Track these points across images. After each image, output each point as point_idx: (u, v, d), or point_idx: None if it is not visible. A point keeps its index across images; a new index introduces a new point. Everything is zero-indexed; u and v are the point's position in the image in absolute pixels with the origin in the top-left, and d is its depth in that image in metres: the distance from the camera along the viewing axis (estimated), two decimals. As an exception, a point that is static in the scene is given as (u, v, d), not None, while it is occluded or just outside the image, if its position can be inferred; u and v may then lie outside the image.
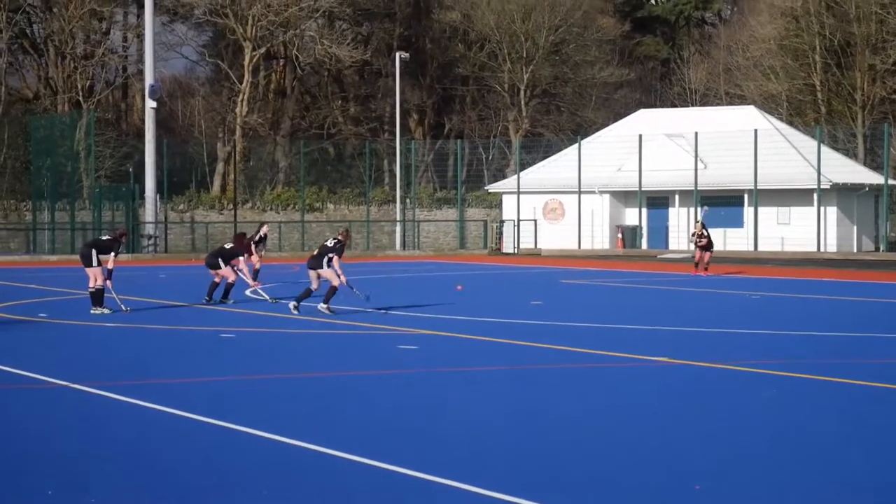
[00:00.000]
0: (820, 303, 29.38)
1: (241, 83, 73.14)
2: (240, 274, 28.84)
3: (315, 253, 26.29)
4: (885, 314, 26.75)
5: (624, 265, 46.95)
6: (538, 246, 61.33)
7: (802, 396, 15.20)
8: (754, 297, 30.26)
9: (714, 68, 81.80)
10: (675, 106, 78.64)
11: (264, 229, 34.34)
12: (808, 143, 59.40)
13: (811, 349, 20.16)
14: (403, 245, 64.28)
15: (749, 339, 21.65)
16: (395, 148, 67.27)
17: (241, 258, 29.06)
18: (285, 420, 13.21)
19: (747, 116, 62.14)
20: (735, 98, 76.29)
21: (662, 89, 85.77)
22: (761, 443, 12.09)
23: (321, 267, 25.65)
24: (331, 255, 25.63)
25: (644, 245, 60.29)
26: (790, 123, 68.10)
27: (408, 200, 67.10)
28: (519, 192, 62.43)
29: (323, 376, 16.99)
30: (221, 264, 28.58)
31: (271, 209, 66.85)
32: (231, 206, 64.78)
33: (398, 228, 65.48)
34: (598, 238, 60.39)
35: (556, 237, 61.45)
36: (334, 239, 26.03)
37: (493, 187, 66.07)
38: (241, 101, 72.84)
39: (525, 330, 22.78)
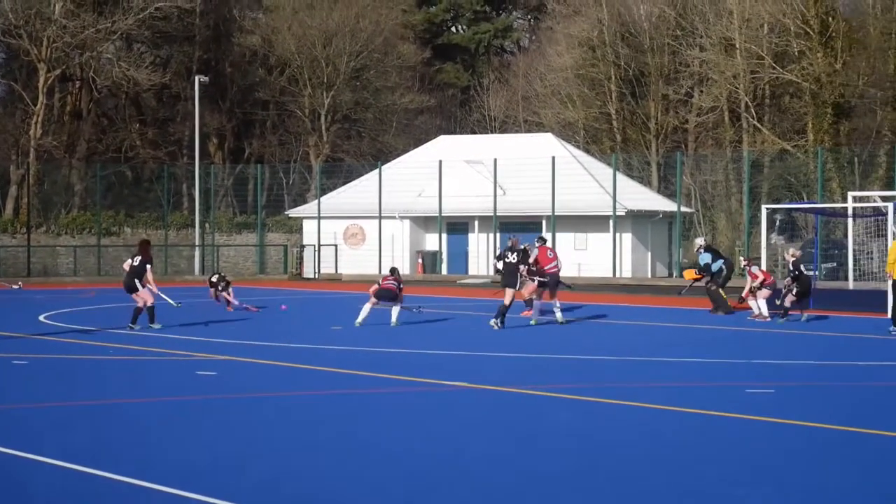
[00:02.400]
0: (615, 328, 29.86)
1: (35, 105, 71.55)
2: (148, 287, 28.11)
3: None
4: (677, 338, 27.31)
5: (424, 290, 47.14)
6: (339, 271, 61.27)
7: (599, 418, 15.41)
8: (540, 322, 30.63)
9: (513, 96, 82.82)
10: (474, 132, 79.46)
11: None
12: (604, 171, 60.54)
13: (604, 372, 20.48)
14: (202, 270, 63.55)
15: (545, 362, 21.89)
16: (193, 172, 66.54)
17: (149, 267, 28.39)
18: (78, 447, 12.92)
19: (545, 143, 63.06)
20: (533, 125, 77.36)
21: (462, 116, 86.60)
22: (556, 462, 12.22)
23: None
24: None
25: (444, 270, 60.68)
26: (587, 151, 69.35)
27: (207, 225, 66.44)
28: (319, 217, 62.30)
29: (119, 403, 16.66)
30: (139, 285, 27.99)
31: (66, 233, 65.47)
32: (24, 229, 63.29)
33: (197, 253, 64.75)
34: (399, 263, 60.54)
35: (356, 262, 61.46)
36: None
37: (294, 212, 65.79)
38: (36, 123, 71.24)
39: (325, 355, 22.70)
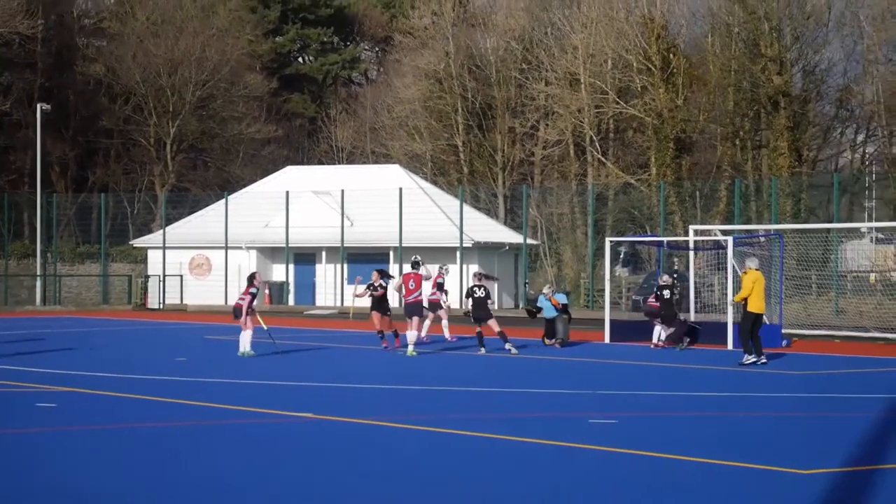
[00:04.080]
0: (460, 358, 29.98)
1: None
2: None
3: None
4: (523, 368, 27.50)
5: (271, 321, 46.86)
6: (184, 301, 60.64)
7: (435, 448, 15.46)
8: (399, 353, 30.64)
9: (361, 127, 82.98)
10: (322, 163, 79.42)
11: None
12: (451, 202, 60.87)
13: (446, 402, 20.55)
14: (44, 300, 62.44)
15: (390, 393, 21.91)
16: (35, 200, 65.37)
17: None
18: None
19: (393, 175, 63.25)
20: (381, 157, 77.58)
21: (310, 146, 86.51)
22: (408, 489, 12.22)
23: None
24: None
25: (291, 301, 60.40)
26: (434, 182, 69.73)
27: (49, 254, 65.32)
28: (164, 247, 61.66)
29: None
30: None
31: None
32: None
33: (38, 283, 63.59)
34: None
35: (203, 293, 60.90)
36: None
37: (139, 242, 65.00)
38: None
39: (169, 386, 22.43)
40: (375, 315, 31.28)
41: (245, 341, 28.64)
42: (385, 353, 30.63)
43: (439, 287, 35.19)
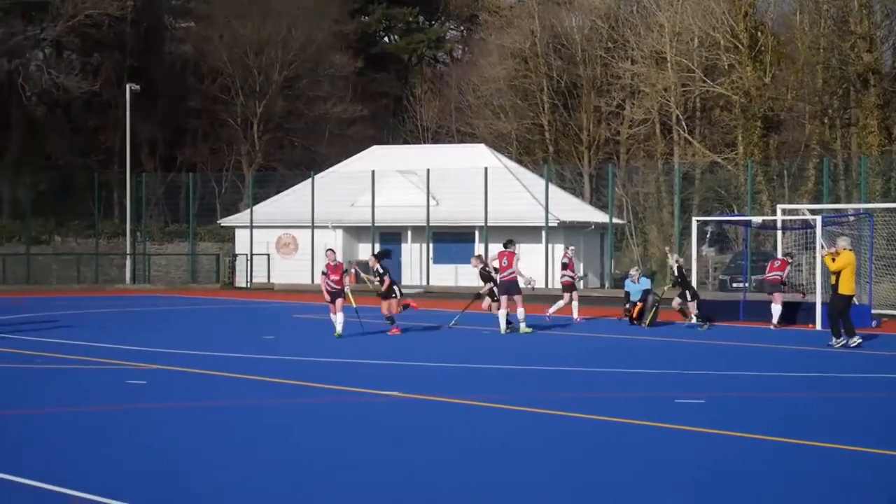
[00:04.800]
0: (546, 338, 29.95)
1: (-37, 112, 70.94)
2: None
3: None
4: (608, 348, 27.44)
5: (358, 300, 47.10)
6: (271, 280, 61.05)
7: (528, 428, 15.47)
8: (485, 332, 30.69)
9: (446, 106, 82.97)
10: (407, 143, 79.50)
11: None
12: (536, 182, 60.73)
13: (533, 382, 20.55)
14: (133, 278, 63.15)
15: (480, 373, 21.94)
16: (125, 180, 66.08)
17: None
18: (10, 458, 12.82)
19: (478, 154, 63.19)
20: (466, 136, 77.53)
21: (395, 126, 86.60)
22: (496, 471, 12.26)
23: None
24: None
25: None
26: (519, 162, 69.54)
27: (138, 233, 66.01)
28: (252, 227, 62.06)
29: (48, 412, 16.54)
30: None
31: (-6, 241, 64.92)
32: (-49, 238, 62.68)
33: (128, 262, 64.31)
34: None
35: (289, 272, 61.25)
36: None
37: (226, 221, 65.48)
38: (-37, 130, 70.63)
39: (257, 364, 22.63)
40: (385, 302, 30.25)
41: (339, 321, 28.63)
42: (470, 333, 30.62)
43: (563, 267, 34.74)
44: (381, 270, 30.19)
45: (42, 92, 75.10)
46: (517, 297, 29.99)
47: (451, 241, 58.33)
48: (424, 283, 58.29)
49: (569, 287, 34.34)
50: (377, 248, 59.72)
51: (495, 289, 30.83)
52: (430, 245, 59.05)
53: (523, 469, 12.60)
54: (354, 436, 14.70)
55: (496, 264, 30.90)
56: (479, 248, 57.09)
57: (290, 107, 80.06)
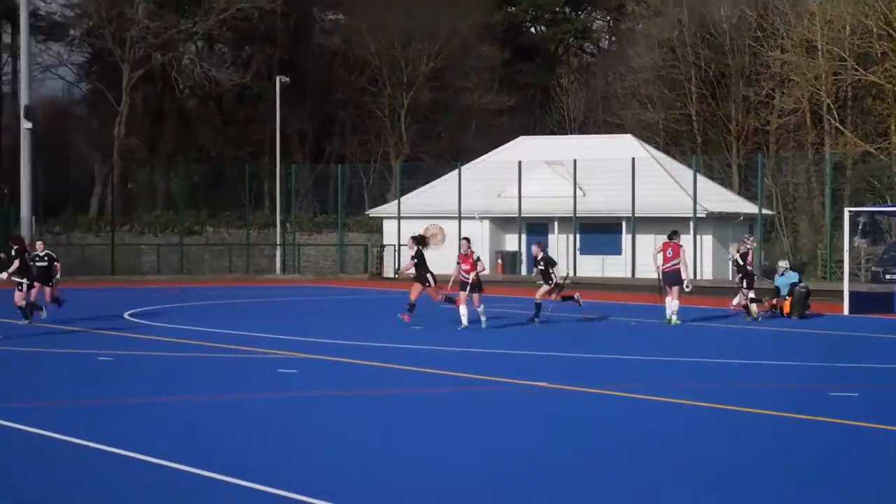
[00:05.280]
0: (694, 329, 29.74)
1: (118, 104, 72.41)
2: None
3: None
4: (756, 341, 27.15)
5: (503, 291, 47.20)
6: (418, 271, 61.30)
7: (679, 419, 15.39)
8: (632, 324, 30.57)
9: (593, 97, 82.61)
10: (554, 133, 79.31)
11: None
12: (684, 172, 60.21)
13: (683, 374, 20.43)
14: (283, 269, 63.97)
15: (627, 364, 21.87)
16: (275, 172, 66.97)
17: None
18: (163, 443, 13.10)
19: (625, 145, 62.83)
20: (613, 126, 77.06)
21: (542, 116, 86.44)
22: (639, 465, 12.24)
23: None
24: None
25: (523, 271, 60.61)
26: (667, 152, 68.97)
27: (288, 224, 66.82)
28: (399, 217, 62.46)
29: (201, 400, 16.86)
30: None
31: (149, 232, 66.14)
32: (109, 228, 64.01)
33: (278, 252, 65.18)
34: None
35: (436, 262, 61.37)
36: None
37: (374, 212, 66.01)
38: (119, 122, 72.10)
39: (405, 354, 22.80)
40: (416, 286, 29.57)
41: (464, 313, 28.47)
42: (613, 323, 30.49)
43: (743, 258, 33.83)
44: (412, 255, 29.62)
45: (195, 85, 76.50)
46: (675, 289, 29.72)
47: (597, 231, 58.11)
48: (571, 273, 58.16)
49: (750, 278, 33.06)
50: (523, 238, 59.80)
51: (553, 277, 29.94)
52: (577, 236, 58.87)
53: (684, 462, 12.55)
54: (497, 426, 14.75)
55: (660, 256, 30.53)
56: (626, 240, 56.88)
57: (437, 98, 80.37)
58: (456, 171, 62.69)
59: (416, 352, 23.34)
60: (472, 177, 62.29)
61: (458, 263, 28.60)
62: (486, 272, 29.01)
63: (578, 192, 59.05)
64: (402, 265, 29.93)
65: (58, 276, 29.80)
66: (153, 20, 71.07)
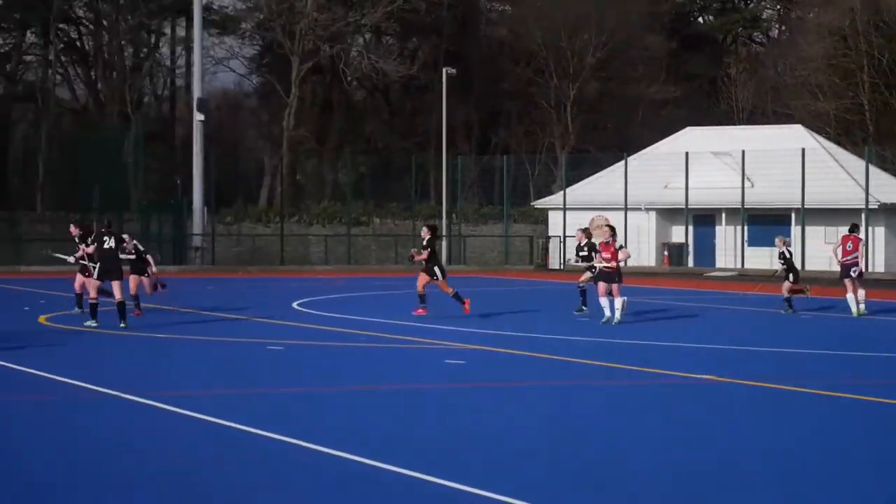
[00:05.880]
0: (871, 323, 29.20)
1: (288, 96, 73.46)
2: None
3: None
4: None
5: (670, 282, 46.85)
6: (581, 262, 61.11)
7: (857, 417, 15.15)
8: (804, 317, 30.14)
9: (762, 87, 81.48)
10: (721, 124, 78.38)
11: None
12: (855, 163, 59.07)
13: (865, 370, 20.09)
14: (449, 260, 64.27)
15: (797, 357, 21.57)
16: (441, 163, 67.34)
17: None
18: (337, 432, 13.27)
19: (794, 135, 61.82)
20: (782, 117, 75.92)
21: (709, 107, 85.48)
22: (808, 461, 12.07)
23: None
24: None
25: (690, 263, 60.08)
26: (838, 143, 67.71)
27: (454, 215, 67.11)
28: (565, 209, 62.34)
29: (370, 389, 17.05)
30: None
31: (317, 223, 66.99)
32: (278, 219, 65.01)
33: (444, 243, 65.50)
34: (644, 255, 60.23)
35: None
36: None
37: (540, 203, 65.99)
38: (289, 114, 73.15)
39: (570, 346, 22.78)
40: (423, 277, 28.13)
41: (606, 305, 27.72)
42: (782, 316, 30.06)
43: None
44: (423, 244, 28.38)
45: (362, 76, 77.23)
46: (855, 282, 29.31)
47: (766, 223, 57.26)
48: (739, 265, 57.47)
49: None
50: (690, 230, 59.29)
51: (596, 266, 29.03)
52: (745, 227, 58.14)
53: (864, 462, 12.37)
54: (669, 419, 14.67)
55: (840, 249, 30.03)
56: (794, 231, 55.96)
57: (603, 88, 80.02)
58: (622, 162, 62.36)
59: (581, 343, 23.28)
60: (638, 168, 61.91)
61: (599, 252, 27.92)
62: (628, 260, 27.93)
63: (746, 184, 58.30)
64: (416, 254, 28.58)
65: (153, 268, 29.09)
66: (322, 13, 71.95)
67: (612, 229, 28.34)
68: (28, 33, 77.28)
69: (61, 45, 75.85)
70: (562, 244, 61.35)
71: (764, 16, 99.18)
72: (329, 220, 67.32)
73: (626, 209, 60.55)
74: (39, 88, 74.73)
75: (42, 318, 26.96)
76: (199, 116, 60.29)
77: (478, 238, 67.36)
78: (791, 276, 31.37)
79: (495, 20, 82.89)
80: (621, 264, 27.35)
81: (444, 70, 67.01)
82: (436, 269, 27.93)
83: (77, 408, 15.11)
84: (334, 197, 73.88)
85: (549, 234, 63.25)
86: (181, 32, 79.63)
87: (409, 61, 77.86)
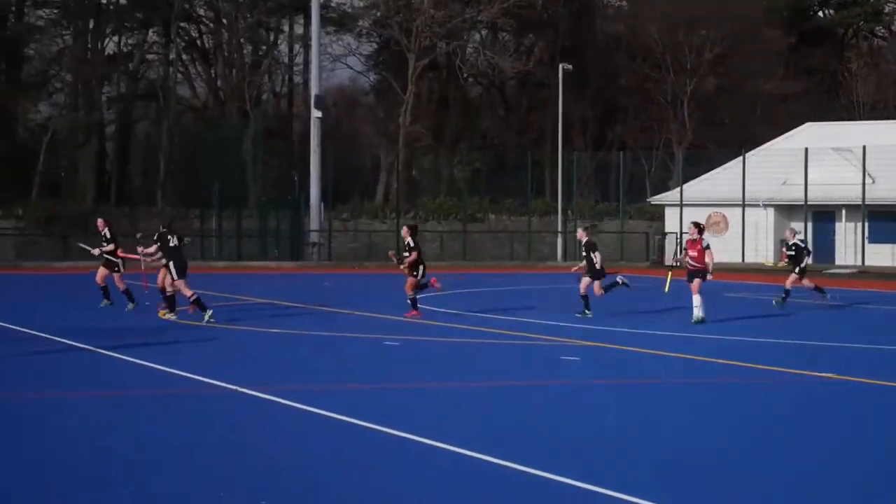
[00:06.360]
0: None
1: (404, 93, 73.78)
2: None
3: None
4: None
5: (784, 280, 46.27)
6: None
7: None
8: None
9: (883, 81, 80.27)
10: (842, 119, 77.36)
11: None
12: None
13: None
14: (565, 256, 64.17)
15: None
16: (556, 159, 67.22)
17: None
18: (455, 430, 13.30)
19: (919, 130, 60.90)
20: (905, 111, 74.78)
21: (829, 102, 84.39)
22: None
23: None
24: None
25: (809, 259, 59.30)
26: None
27: (569, 212, 66.97)
28: (682, 205, 61.94)
29: (489, 386, 17.08)
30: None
31: (433, 219, 67.22)
32: (393, 215, 65.34)
33: (559, 239, 65.40)
34: (762, 252, 59.62)
35: (718, 251, 60.62)
36: None
37: (656, 199, 65.63)
38: (405, 111, 73.46)
39: (687, 343, 22.64)
40: (412, 280, 27.70)
41: (697, 304, 27.15)
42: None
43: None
44: (411, 244, 27.82)
45: (478, 73, 77.31)
46: None
47: (888, 219, 56.47)
48: (859, 262, 56.70)
49: None
50: (809, 226, 58.56)
51: (595, 263, 28.36)
52: (866, 224, 57.34)
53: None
54: (793, 417, 14.54)
55: None
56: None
57: (720, 84, 79.33)
58: (740, 159, 61.81)
59: (697, 341, 23.12)
60: (756, 164, 61.34)
61: (686, 249, 27.44)
62: (713, 261, 27.09)
63: (868, 180, 57.49)
64: (395, 256, 28.01)
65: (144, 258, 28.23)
66: (438, 9, 72.16)
67: (699, 227, 27.59)
68: (150, 32, 78.46)
69: (182, 44, 76.86)
70: (678, 241, 60.94)
71: (886, 10, 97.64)
72: (444, 216, 67.51)
73: (743, 205, 60.03)
74: (161, 86, 75.82)
75: (162, 314, 27.35)
76: (316, 113, 60.80)
77: (593, 234, 67.04)
78: (798, 269, 31.03)
79: (611, 16, 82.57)
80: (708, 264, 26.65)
81: (560, 66, 66.87)
82: (420, 267, 27.59)
83: (200, 404, 15.31)
84: (449, 193, 74.09)
85: (666, 230, 62.88)
86: (299, 30, 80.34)
87: (525, 57, 77.80)
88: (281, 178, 72.17)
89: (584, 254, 28.91)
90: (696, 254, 26.64)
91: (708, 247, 26.93)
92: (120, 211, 66.27)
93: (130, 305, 28.26)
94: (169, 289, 26.46)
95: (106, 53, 75.87)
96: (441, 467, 11.36)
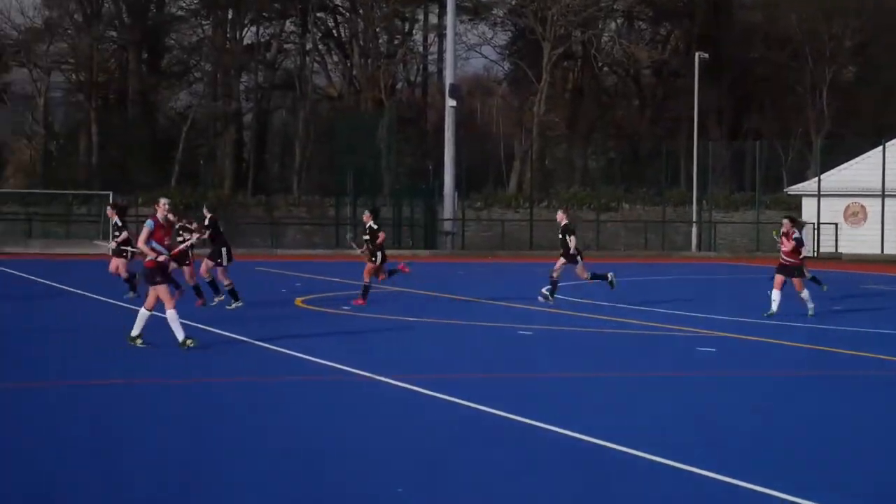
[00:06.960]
0: None
1: (538, 82, 73.71)
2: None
3: None
4: None
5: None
6: (839, 250, 59.95)
7: None
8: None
9: None
10: None
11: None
12: None
13: None
14: (699, 246, 63.71)
15: None
16: (691, 149, 66.70)
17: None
18: (589, 419, 13.35)
19: None
20: None
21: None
22: None
23: None
24: None
25: (948, 251, 58.28)
26: None
27: (704, 201, 66.44)
28: (819, 195, 61.13)
29: (625, 376, 17.06)
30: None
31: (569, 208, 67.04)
32: (527, 204, 65.34)
33: (694, 229, 64.93)
34: (899, 244, 58.72)
35: (857, 242, 59.93)
36: None
37: (793, 189, 64.85)
38: (539, 100, 73.39)
39: (823, 335, 22.40)
40: (370, 266, 26.83)
41: (776, 299, 26.38)
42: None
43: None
44: (374, 227, 26.78)
45: (613, 62, 76.95)
46: None
47: None
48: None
49: None
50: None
51: (570, 247, 27.69)
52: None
53: None
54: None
55: None
56: None
57: (860, 73, 78.04)
58: (879, 148, 60.83)
59: (833, 332, 22.85)
60: (897, 154, 60.33)
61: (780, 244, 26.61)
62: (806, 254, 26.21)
63: None
64: (361, 244, 26.64)
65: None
66: (574, -2, 71.99)
67: (793, 221, 26.77)
68: (287, 22, 79.28)
69: (319, 34, 77.58)
70: (816, 231, 60.19)
71: None
72: (578, 205, 67.32)
73: (883, 195, 59.10)
74: (297, 76, 76.60)
75: (299, 301, 27.69)
76: (451, 102, 61.03)
77: (728, 225, 66.54)
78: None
79: (749, 4, 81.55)
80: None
81: (696, 55, 66.30)
82: (379, 253, 26.64)
83: (337, 390, 15.51)
84: (583, 182, 73.91)
85: (803, 220, 62.06)
86: (434, 19, 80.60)
87: (661, 46, 77.27)
88: (415, 167, 72.56)
89: (560, 236, 28.27)
90: (788, 249, 26.01)
91: (798, 239, 26.06)
92: (257, 199, 67.19)
93: (131, 294, 27.10)
94: (205, 276, 25.71)
95: (244, 43, 76.83)
96: (573, 456, 11.40)
